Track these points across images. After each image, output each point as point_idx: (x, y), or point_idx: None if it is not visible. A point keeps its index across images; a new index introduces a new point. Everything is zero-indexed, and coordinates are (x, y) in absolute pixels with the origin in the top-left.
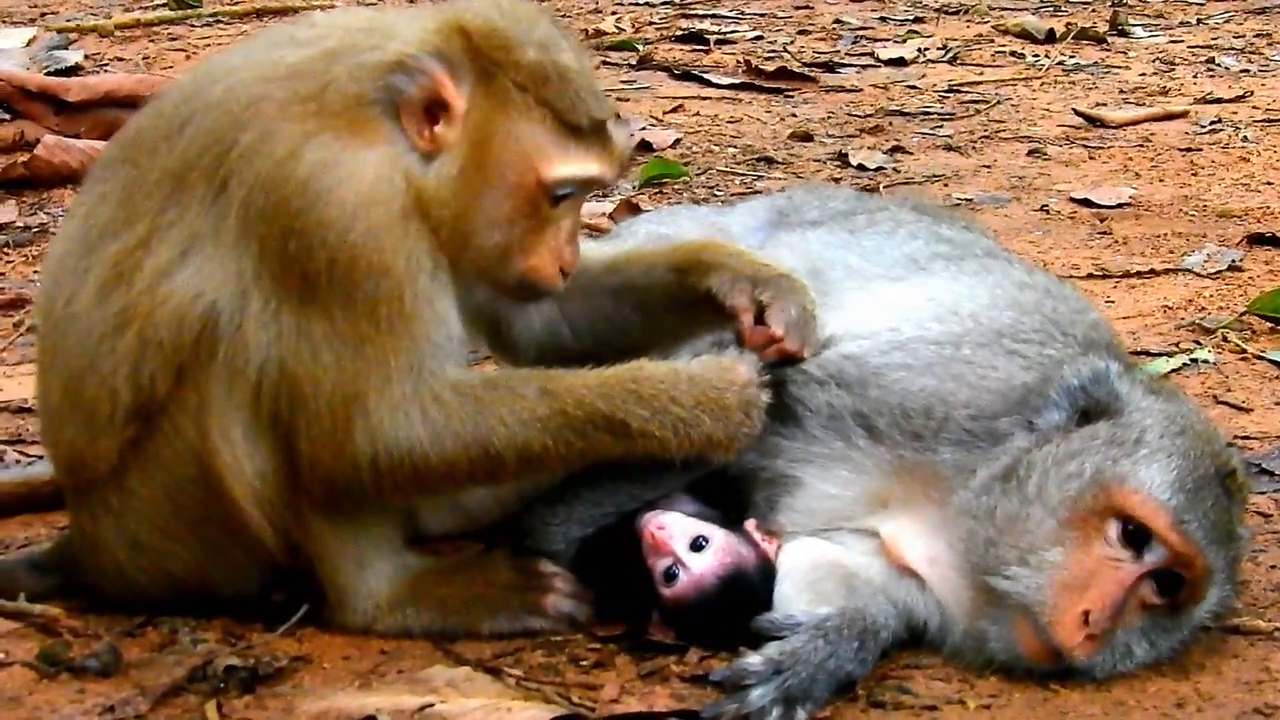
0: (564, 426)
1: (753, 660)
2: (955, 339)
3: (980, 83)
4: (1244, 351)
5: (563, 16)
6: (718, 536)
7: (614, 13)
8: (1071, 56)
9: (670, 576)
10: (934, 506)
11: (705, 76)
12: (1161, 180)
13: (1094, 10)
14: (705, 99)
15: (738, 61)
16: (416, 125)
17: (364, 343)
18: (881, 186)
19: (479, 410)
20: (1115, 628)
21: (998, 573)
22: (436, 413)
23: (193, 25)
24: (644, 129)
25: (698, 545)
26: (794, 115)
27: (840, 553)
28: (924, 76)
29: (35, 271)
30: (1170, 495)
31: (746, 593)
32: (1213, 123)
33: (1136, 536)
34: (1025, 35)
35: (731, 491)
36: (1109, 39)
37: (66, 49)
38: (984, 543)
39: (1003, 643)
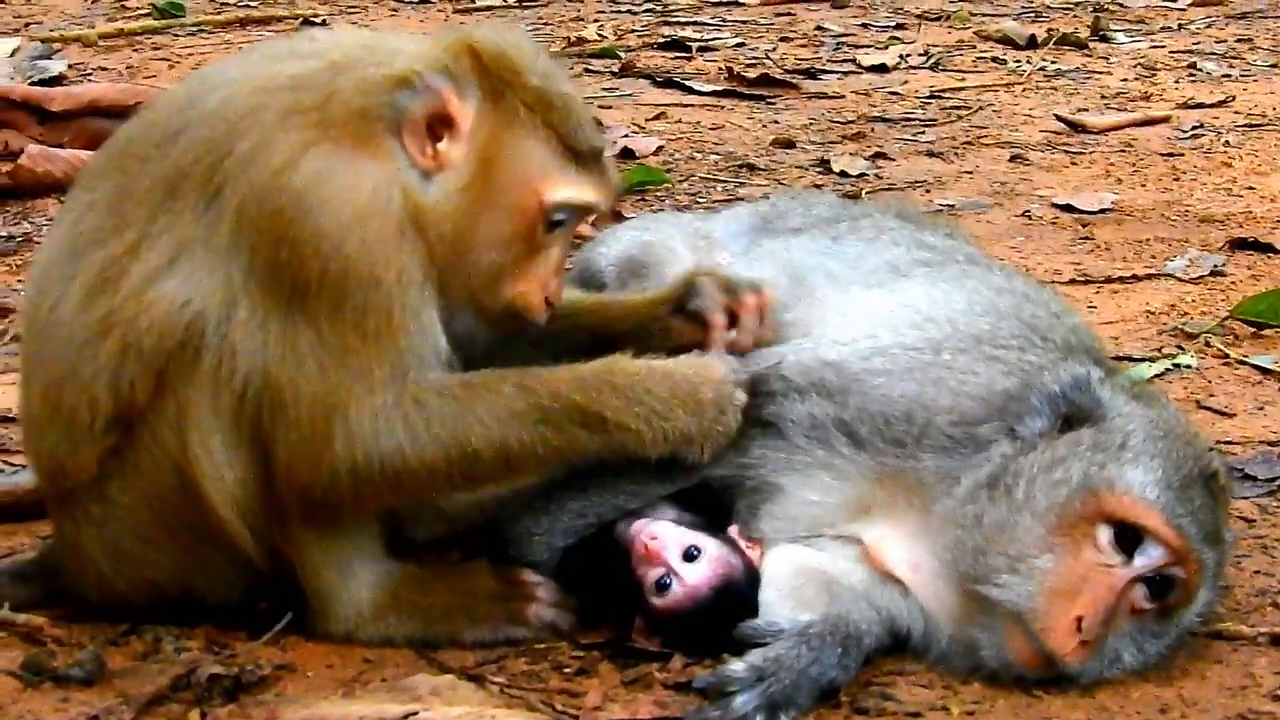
0: (540, 421)
1: (736, 667)
2: (934, 345)
3: (962, 89)
4: (1226, 356)
5: (544, 24)
6: (710, 546)
7: (596, 20)
8: (1053, 62)
9: (662, 586)
10: (917, 513)
11: (687, 83)
12: (1143, 185)
13: (1075, 16)
14: (687, 106)
15: (720, 68)
16: (419, 142)
17: (349, 353)
18: (863, 193)
19: (459, 409)
20: (1107, 634)
21: (988, 581)
22: (417, 416)
23: (176, 35)
24: (626, 136)
25: (690, 555)
26: (776, 122)
27: (823, 559)
28: (906, 83)
29: (19, 281)
30: (1160, 495)
31: (736, 601)
32: (1195, 128)
33: (1127, 540)
34: (1007, 41)
35: (713, 499)
36: (1090, 44)
37: (50, 59)
38: (972, 551)
39: (994, 650)
